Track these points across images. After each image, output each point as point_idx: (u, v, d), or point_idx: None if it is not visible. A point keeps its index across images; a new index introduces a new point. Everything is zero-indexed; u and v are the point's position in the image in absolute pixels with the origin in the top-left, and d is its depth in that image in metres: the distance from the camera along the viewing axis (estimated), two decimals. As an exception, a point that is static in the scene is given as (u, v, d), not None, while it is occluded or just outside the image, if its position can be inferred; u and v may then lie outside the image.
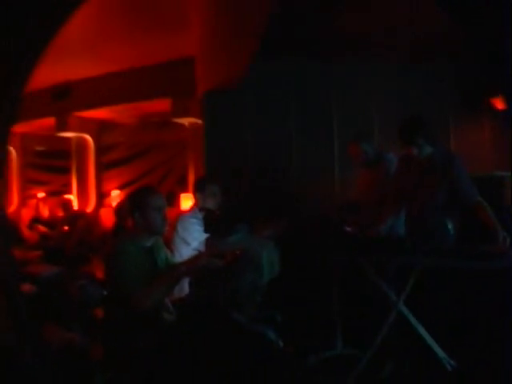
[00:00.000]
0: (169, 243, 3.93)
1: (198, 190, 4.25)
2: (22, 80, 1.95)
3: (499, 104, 5.93)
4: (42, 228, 8.47)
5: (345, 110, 5.88)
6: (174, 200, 7.34)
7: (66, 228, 7.99)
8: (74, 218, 8.16)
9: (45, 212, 9.08)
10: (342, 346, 4.04)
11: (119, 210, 4.82)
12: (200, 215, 3.99)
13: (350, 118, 5.82)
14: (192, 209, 4.25)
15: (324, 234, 3.76)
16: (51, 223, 8.65)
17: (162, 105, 7.24)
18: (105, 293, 3.64)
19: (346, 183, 5.58)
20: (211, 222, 3.32)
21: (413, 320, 3.43)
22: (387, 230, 4.03)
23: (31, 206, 9.40)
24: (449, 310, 3.65)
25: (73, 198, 9.18)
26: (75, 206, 9.06)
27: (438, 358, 3.42)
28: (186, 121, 7.21)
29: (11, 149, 10.03)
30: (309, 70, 5.77)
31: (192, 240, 3.94)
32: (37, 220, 8.79)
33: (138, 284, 2.78)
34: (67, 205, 8.64)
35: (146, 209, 2.96)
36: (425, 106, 5.92)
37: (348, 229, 3.83)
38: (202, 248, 3.59)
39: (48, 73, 6.71)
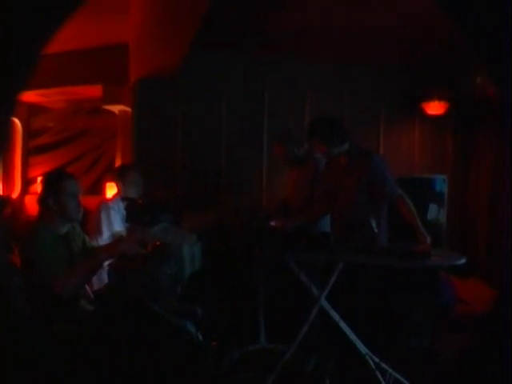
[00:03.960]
0: (89, 230, 3.85)
1: (119, 178, 4.18)
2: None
3: (430, 109, 6.10)
4: None
5: (277, 106, 5.90)
6: (100, 188, 7.19)
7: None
8: (-1, 203, 7.83)
9: None
10: (265, 340, 4.05)
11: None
12: (122, 204, 3.92)
13: (281, 116, 5.85)
14: (114, 197, 4.17)
15: (249, 228, 3.74)
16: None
17: (93, 91, 7.04)
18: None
19: (275, 178, 5.62)
20: (133, 211, 3.24)
21: (335, 316, 3.45)
22: (313, 226, 4.08)
23: None
24: (372, 307, 3.72)
25: (-4, 182, 8.82)
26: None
27: (361, 354, 3.45)
28: (116, 108, 7.04)
29: None
30: (243, 63, 5.76)
31: (112, 228, 3.87)
32: None
33: (52, 271, 2.70)
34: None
35: (60, 194, 2.88)
36: (358, 106, 6.03)
37: (273, 223, 3.83)
38: (124, 235, 3.53)
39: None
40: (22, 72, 1.80)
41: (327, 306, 3.44)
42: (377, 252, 3.27)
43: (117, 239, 3.20)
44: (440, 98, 5.96)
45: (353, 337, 3.47)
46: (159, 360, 2.66)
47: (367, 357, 3.43)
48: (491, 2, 1.61)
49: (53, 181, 2.96)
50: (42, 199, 2.91)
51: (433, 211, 5.47)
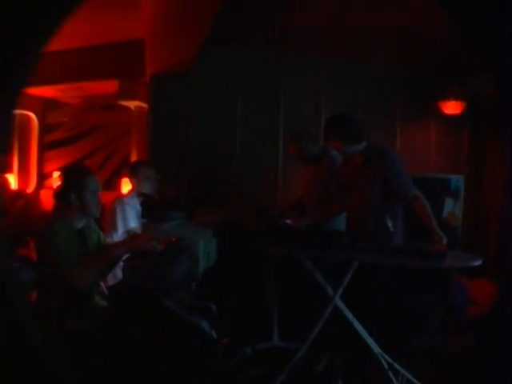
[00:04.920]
0: (104, 226, 3.86)
1: (133, 174, 4.20)
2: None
3: (446, 108, 6.05)
4: None
5: (292, 104, 5.89)
6: (114, 183, 7.21)
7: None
8: (12, 197, 7.89)
9: None
10: (278, 338, 4.05)
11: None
12: (137, 200, 3.93)
13: (297, 113, 5.83)
14: (129, 193, 4.18)
15: (262, 226, 3.74)
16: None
17: (108, 86, 7.05)
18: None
19: (290, 176, 5.60)
20: (149, 207, 3.25)
21: (349, 315, 3.44)
22: (327, 225, 4.07)
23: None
24: (385, 306, 3.70)
25: (12, 176, 8.87)
26: (14, 185, 8.76)
27: (374, 354, 3.44)
28: (132, 104, 7.07)
29: None
30: (258, 59, 5.76)
31: (127, 224, 3.88)
32: None
33: (67, 265, 2.73)
34: (3, 183, 8.35)
35: (83, 190, 2.90)
36: (373, 105, 6.00)
37: (287, 221, 3.82)
38: (139, 231, 3.54)
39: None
40: (23, 69, 1.81)
41: (342, 306, 3.43)
42: (392, 252, 3.24)
43: (131, 235, 3.21)
44: (457, 98, 5.92)
45: (366, 336, 3.45)
46: (172, 356, 2.67)
47: (380, 356, 3.42)
48: (491, 2, 1.60)
49: (76, 176, 2.98)
50: (63, 194, 2.92)
51: (449, 205, 5.43)
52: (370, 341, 3.45)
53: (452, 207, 5.49)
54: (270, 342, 4.03)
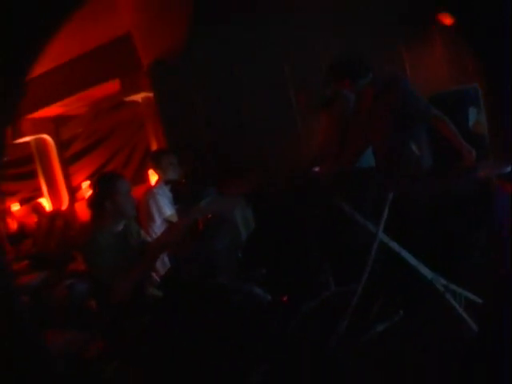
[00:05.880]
0: (142, 220, 3.92)
1: (156, 165, 4.23)
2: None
3: (447, 20, 5.89)
4: None
5: (295, 59, 5.77)
6: (142, 176, 7.29)
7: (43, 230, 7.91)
8: (50, 219, 8.07)
9: (13, 226, 9.00)
10: (333, 286, 4.08)
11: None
12: (166, 188, 3.98)
13: (300, 61, 5.70)
14: (157, 183, 4.23)
15: (293, 181, 3.74)
16: (21, 234, 8.56)
17: (111, 87, 7.12)
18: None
19: (311, 135, 5.53)
20: (178, 192, 3.30)
21: (395, 246, 3.44)
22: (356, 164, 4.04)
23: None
24: (429, 232, 3.68)
25: (44, 200, 9.07)
26: (49, 206, 8.96)
27: (427, 280, 3.44)
28: (138, 97, 7.11)
29: (-28, 169, 9.87)
30: (258, 25, 5.63)
31: (163, 213, 3.92)
32: None
33: (111, 273, 2.80)
34: (38, 208, 8.55)
35: (115, 195, 2.95)
36: (374, 31, 5.84)
37: (316, 169, 3.81)
38: (175, 219, 3.58)
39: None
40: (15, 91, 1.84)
41: (386, 239, 3.43)
42: (423, 175, 3.23)
43: (169, 225, 3.26)
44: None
45: (416, 263, 3.44)
46: (235, 329, 2.72)
47: (433, 281, 3.41)
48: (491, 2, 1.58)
49: (106, 183, 3.04)
50: (97, 202, 2.99)
51: (473, 114, 5.33)
52: (422, 267, 3.43)
53: (476, 115, 5.39)
54: (327, 291, 4.05)
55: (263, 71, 5.63)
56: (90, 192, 3.07)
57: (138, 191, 4.54)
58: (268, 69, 5.66)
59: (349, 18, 5.79)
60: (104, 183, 3.05)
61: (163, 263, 3.34)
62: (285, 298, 3.29)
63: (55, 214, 8.33)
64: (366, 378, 2.95)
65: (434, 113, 3.55)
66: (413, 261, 3.44)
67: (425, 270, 3.43)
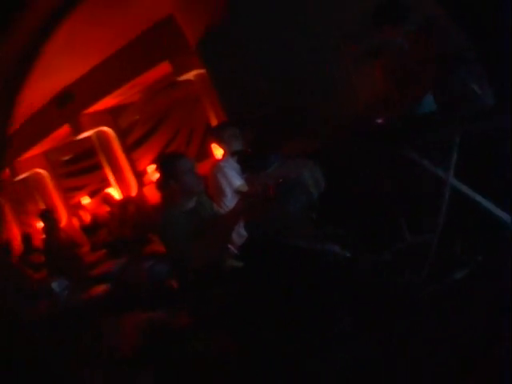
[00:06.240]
0: (213, 194, 3.97)
1: (218, 139, 4.24)
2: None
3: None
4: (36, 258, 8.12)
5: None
6: (207, 151, 7.36)
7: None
8: (121, 207, 8.32)
9: (86, 218, 9.34)
10: (409, 236, 4.05)
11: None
12: (232, 160, 4.00)
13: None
14: (223, 156, 4.25)
15: (358, 137, 3.70)
16: (96, 225, 8.89)
17: (162, 69, 7.19)
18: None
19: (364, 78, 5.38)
20: (245, 161, 3.33)
21: (467, 190, 3.37)
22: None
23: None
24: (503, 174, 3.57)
25: (112, 190, 9.35)
26: (118, 195, 9.23)
27: (507, 224, 3.33)
28: (190, 75, 7.16)
29: (40, 170, 10.30)
30: None
31: (233, 185, 3.95)
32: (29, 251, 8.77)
33: (188, 247, 2.86)
34: (107, 198, 8.84)
35: (177, 175, 3.02)
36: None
37: (379, 121, 3.74)
38: (245, 189, 3.62)
39: (46, 86, 6.79)
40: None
41: (457, 183, 3.37)
42: (487, 114, 3.13)
43: (241, 195, 3.29)
44: None
45: (491, 207, 3.34)
46: (315, 290, 2.77)
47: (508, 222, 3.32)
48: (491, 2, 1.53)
49: (168, 165, 3.11)
50: (164, 184, 3.08)
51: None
52: (498, 211, 3.34)
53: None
54: (404, 242, 4.03)
55: (311, 25, 5.50)
56: (156, 175, 3.15)
57: (204, 167, 4.59)
58: (315, 22, 5.52)
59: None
60: (166, 165, 3.13)
61: (239, 235, 3.40)
62: (363, 255, 3.30)
63: (126, 201, 8.58)
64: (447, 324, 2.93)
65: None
66: (488, 204, 3.36)
67: (502, 214, 3.35)
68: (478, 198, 3.37)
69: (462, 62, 3.49)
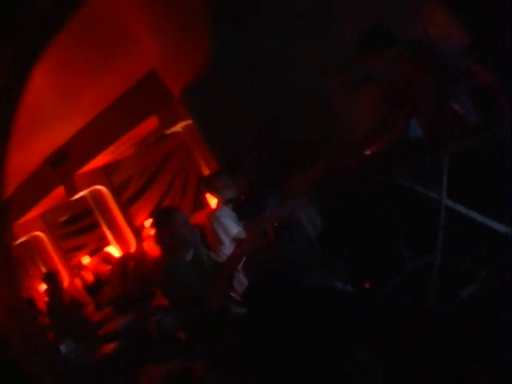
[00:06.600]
0: (211, 244, 3.98)
1: (210, 189, 4.27)
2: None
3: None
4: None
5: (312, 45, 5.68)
6: (203, 201, 7.38)
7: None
8: (122, 264, 8.30)
9: (89, 277, 9.31)
10: (411, 260, 4.03)
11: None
12: (227, 208, 4.03)
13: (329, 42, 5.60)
14: (218, 205, 4.28)
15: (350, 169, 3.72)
16: (99, 284, 8.86)
17: (150, 124, 7.27)
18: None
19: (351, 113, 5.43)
20: (240, 208, 3.36)
21: (462, 209, 3.40)
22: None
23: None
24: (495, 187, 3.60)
25: (111, 248, 9.33)
26: (118, 252, 9.21)
27: (504, 236, 3.37)
28: (177, 127, 7.22)
29: (39, 233, 10.32)
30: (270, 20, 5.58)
31: (230, 234, 3.96)
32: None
33: (193, 295, 2.88)
34: (107, 258, 8.85)
35: (172, 228, 3.04)
36: None
37: (367, 152, 3.78)
38: (243, 235, 3.63)
39: (38, 148, 6.87)
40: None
41: (450, 203, 3.39)
42: (470, 132, 3.18)
43: (239, 242, 3.32)
44: None
45: (487, 221, 3.39)
46: (322, 327, 2.75)
47: (510, 234, 3.35)
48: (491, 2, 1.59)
49: (162, 219, 3.15)
50: (160, 239, 3.11)
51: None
52: (495, 224, 3.39)
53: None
54: (406, 267, 4.01)
55: (297, 60, 5.55)
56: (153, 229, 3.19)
57: (200, 216, 4.60)
58: (302, 56, 5.58)
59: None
60: (160, 220, 3.18)
61: (240, 282, 3.40)
62: (367, 285, 3.29)
63: (126, 258, 8.56)
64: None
65: (468, 64, 3.49)
66: (484, 219, 3.38)
67: (499, 226, 3.38)
68: (473, 214, 3.39)
69: (447, 83, 3.56)
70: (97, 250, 10.12)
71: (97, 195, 9.34)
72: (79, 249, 10.56)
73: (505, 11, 1.58)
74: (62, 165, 8.38)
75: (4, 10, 1.83)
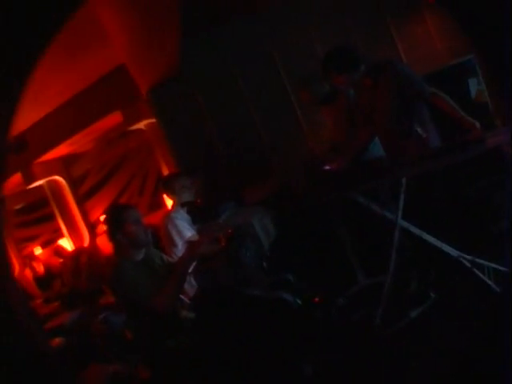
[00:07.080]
0: (165, 245, 3.95)
1: (168, 190, 4.24)
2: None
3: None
4: None
5: (289, 57, 5.75)
6: (159, 202, 7.34)
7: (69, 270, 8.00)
8: (74, 258, 8.15)
9: (40, 269, 9.11)
10: (363, 279, 4.08)
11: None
12: (183, 210, 4.00)
13: (295, 62, 5.68)
14: (173, 207, 4.25)
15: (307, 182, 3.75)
16: (50, 276, 8.68)
17: (114, 119, 7.18)
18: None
19: (315, 126, 5.52)
20: (195, 212, 3.33)
21: (415, 230, 3.44)
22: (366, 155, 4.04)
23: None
24: (448, 210, 3.68)
25: (64, 241, 9.17)
26: (70, 246, 9.05)
27: (455, 259, 3.43)
28: (141, 124, 7.16)
29: (-9, 219, 10.03)
30: (241, 27, 5.62)
31: (183, 236, 3.94)
32: None
33: (144, 296, 2.84)
34: (59, 251, 8.68)
35: (124, 226, 2.99)
36: (362, 16, 5.82)
37: (327, 168, 3.82)
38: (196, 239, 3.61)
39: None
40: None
41: (405, 225, 3.44)
42: (431, 155, 3.23)
43: (190, 244, 3.29)
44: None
45: (439, 244, 3.45)
46: (268, 338, 2.74)
47: (460, 258, 3.41)
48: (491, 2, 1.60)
49: (114, 217, 3.09)
50: (111, 236, 3.04)
51: (473, 85, 5.29)
52: (446, 247, 3.44)
53: (476, 86, 5.36)
54: (357, 285, 4.06)
55: (259, 71, 5.62)
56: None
57: (156, 217, 4.56)
58: (265, 68, 5.65)
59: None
60: (112, 216, 3.11)
61: (191, 285, 3.37)
62: (317, 299, 3.30)
63: (78, 252, 8.41)
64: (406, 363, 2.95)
65: (431, 91, 3.54)
66: (436, 242, 3.44)
67: (449, 249, 3.44)
68: (426, 236, 3.45)
69: (409, 106, 3.61)
70: (50, 241, 9.90)
71: (54, 186, 9.18)
72: (32, 239, 10.32)
73: (505, 11, 1.59)
74: (21, 152, 8.20)
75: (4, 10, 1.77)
